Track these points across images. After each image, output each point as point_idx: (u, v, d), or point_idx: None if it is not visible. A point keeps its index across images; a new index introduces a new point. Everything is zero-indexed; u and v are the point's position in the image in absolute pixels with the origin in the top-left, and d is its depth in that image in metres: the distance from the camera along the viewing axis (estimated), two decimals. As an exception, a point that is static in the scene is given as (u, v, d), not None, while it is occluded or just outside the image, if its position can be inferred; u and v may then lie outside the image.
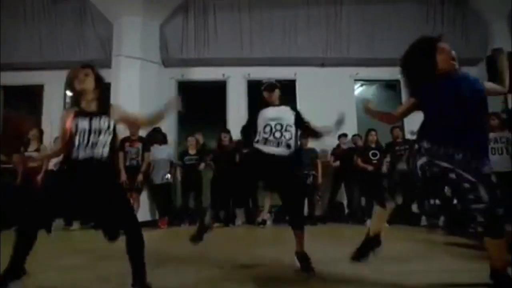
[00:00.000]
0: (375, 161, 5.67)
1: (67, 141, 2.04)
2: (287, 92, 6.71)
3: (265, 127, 2.69)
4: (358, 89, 7.87)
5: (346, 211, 6.20)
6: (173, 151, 6.34)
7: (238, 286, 2.21)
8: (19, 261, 1.94)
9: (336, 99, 6.69)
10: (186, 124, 6.98)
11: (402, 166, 2.10)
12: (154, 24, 6.39)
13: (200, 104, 7.10)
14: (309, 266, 2.48)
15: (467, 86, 1.96)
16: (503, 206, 1.80)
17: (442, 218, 5.14)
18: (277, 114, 2.73)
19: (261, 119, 2.75)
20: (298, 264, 2.53)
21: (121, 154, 5.39)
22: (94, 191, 2.02)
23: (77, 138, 2.02)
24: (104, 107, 2.16)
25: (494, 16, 6.75)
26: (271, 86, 2.83)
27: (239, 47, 6.64)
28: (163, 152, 5.86)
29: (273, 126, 2.67)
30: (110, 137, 2.08)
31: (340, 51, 6.73)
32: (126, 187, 5.34)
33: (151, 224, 5.71)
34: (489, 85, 2.12)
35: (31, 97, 7.16)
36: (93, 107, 2.13)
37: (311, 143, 6.12)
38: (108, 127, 2.08)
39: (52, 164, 5.77)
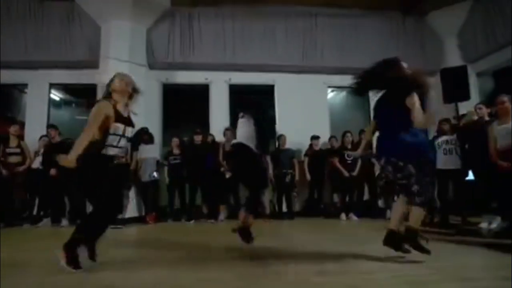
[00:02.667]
0: (349, 161, 6.20)
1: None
2: (267, 96, 7.31)
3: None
4: (330, 95, 8.53)
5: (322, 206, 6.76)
6: (159, 151, 6.61)
7: (218, 263, 2.71)
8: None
9: (311, 103, 7.32)
10: (170, 125, 7.26)
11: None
12: (141, 28, 6.64)
13: (184, 106, 7.42)
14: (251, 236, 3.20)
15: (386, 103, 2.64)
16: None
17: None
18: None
19: None
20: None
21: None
22: None
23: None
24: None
25: (447, 33, 7.64)
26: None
27: (222, 53, 7.04)
28: (149, 152, 6.14)
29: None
30: None
31: (315, 60, 7.32)
32: None
33: (139, 220, 5.99)
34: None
35: (12, 96, 7.14)
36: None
37: (289, 144, 6.67)
38: None
39: (37, 163, 5.90)
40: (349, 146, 6.26)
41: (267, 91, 7.43)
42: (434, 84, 7.48)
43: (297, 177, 6.50)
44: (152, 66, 6.89)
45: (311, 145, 6.75)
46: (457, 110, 6.28)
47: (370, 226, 4.99)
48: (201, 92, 7.28)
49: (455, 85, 6.40)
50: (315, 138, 6.70)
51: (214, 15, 7.02)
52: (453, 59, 7.29)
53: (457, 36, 7.60)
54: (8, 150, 5.70)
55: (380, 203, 6.43)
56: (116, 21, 6.31)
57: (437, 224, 4.97)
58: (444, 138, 5.14)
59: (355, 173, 6.13)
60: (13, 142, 5.78)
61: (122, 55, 6.32)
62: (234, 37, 7.07)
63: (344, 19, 7.42)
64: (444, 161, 5.06)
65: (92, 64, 6.35)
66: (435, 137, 5.34)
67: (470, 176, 5.04)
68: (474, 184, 4.89)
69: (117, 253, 2.99)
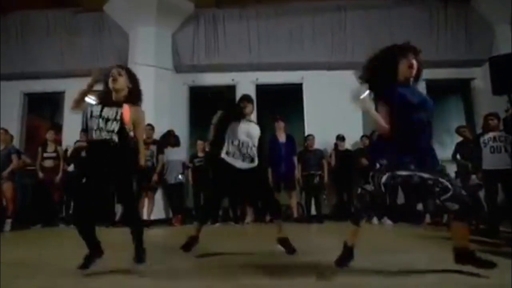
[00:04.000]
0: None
1: None
2: (295, 95, 7.07)
3: (233, 141, 3.02)
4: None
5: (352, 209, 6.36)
6: (185, 153, 6.64)
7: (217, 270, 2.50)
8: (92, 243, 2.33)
9: (342, 101, 6.89)
10: (197, 127, 7.28)
11: (370, 186, 2.25)
12: (167, 33, 6.76)
13: (211, 108, 7.40)
14: (291, 247, 2.88)
15: (417, 95, 2.21)
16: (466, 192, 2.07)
17: (446, 216, 5.31)
18: (247, 132, 3.05)
19: (232, 132, 3.04)
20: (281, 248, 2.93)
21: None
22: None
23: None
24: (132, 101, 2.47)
25: (497, 19, 6.85)
26: (247, 98, 3.21)
27: (247, 53, 6.93)
28: (175, 154, 6.18)
29: (241, 142, 3.01)
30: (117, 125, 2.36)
31: (345, 55, 6.94)
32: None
33: (166, 222, 6.05)
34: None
35: (53, 103, 7.62)
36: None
37: (318, 144, 6.37)
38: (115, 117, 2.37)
39: (72, 166, 6.20)
40: (378, 146, 5.81)
41: (295, 90, 7.19)
42: (483, 75, 6.83)
43: (326, 179, 6.18)
44: (178, 69, 6.97)
45: (336, 145, 6.42)
46: (510, 102, 5.59)
47: (403, 232, 4.55)
48: (229, 93, 7.20)
49: (507, 74, 5.71)
50: (340, 139, 6.36)
51: (238, 16, 6.93)
52: (505, 47, 6.50)
53: (510, 20, 6.77)
54: (45, 155, 6.05)
55: (419, 206, 5.88)
56: (142, 28, 6.49)
57: (482, 232, 4.39)
58: (491, 134, 4.57)
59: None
60: (50, 147, 6.13)
61: (149, 60, 6.46)
62: (259, 36, 6.93)
63: (376, 11, 6.95)
64: (492, 160, 4.49)
65: (122, 70, 6.56)
66: (481, 134, 4.78)
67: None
68: (529, 187, 4.27)
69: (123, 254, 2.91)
